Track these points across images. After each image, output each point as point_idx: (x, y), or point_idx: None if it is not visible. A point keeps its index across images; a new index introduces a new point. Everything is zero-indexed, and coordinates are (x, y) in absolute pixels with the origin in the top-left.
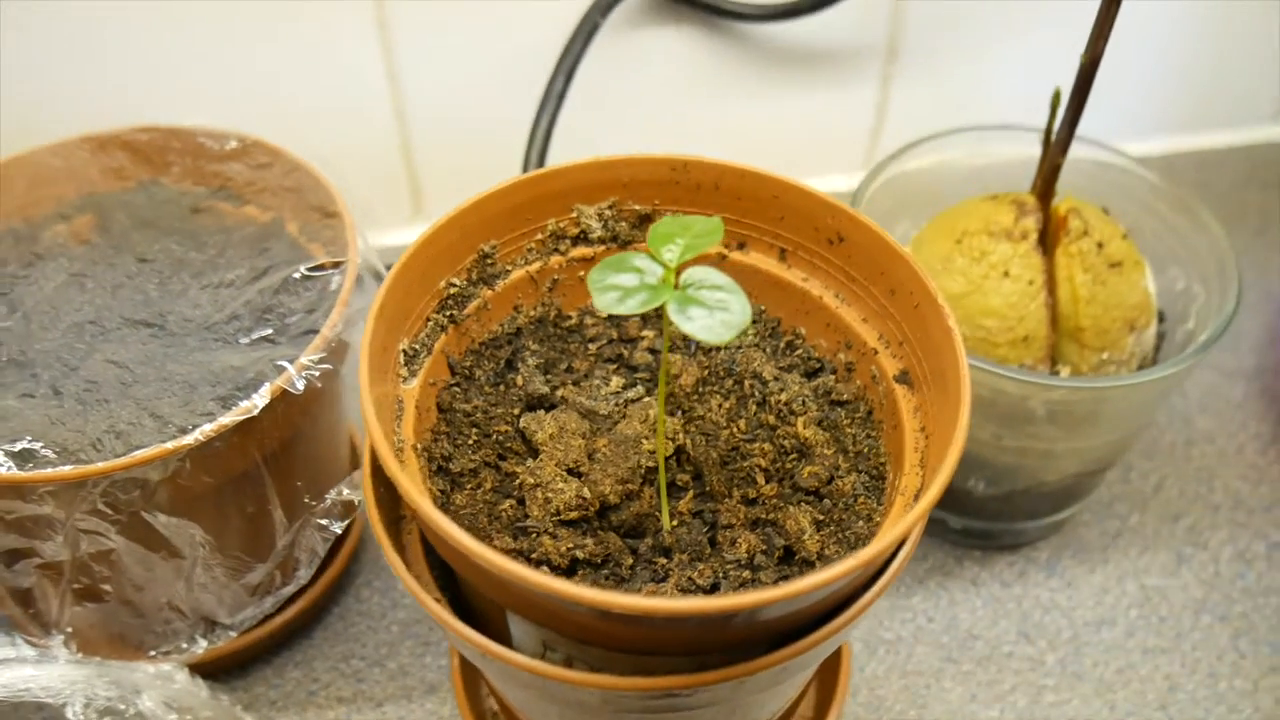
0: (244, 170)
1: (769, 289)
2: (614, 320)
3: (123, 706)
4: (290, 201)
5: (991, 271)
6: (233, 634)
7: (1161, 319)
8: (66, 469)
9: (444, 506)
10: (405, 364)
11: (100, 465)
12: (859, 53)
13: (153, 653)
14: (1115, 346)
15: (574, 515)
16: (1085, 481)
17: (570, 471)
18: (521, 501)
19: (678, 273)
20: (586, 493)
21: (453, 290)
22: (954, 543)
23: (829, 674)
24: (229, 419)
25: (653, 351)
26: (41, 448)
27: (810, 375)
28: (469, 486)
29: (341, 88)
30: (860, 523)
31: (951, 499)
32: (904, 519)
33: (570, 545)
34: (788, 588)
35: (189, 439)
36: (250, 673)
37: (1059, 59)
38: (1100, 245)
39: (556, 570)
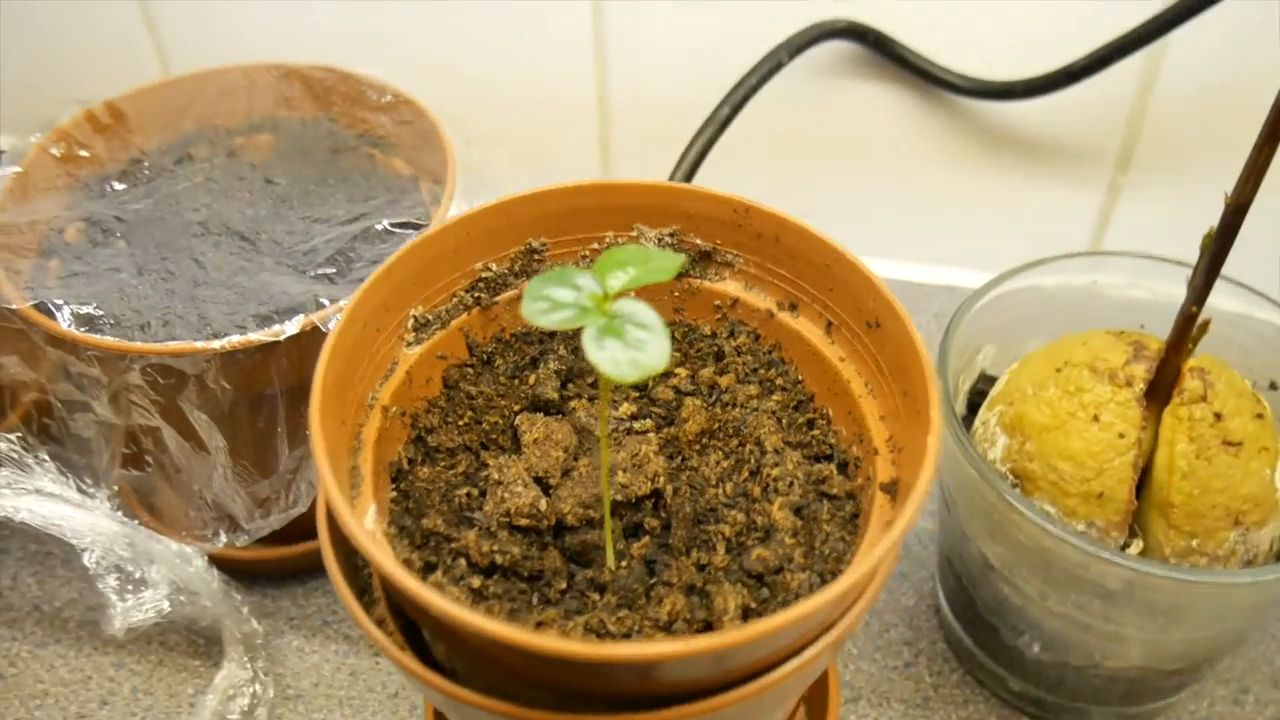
0: (388, 123)
1: (809, 360)
2: None
3: (131, 569)
4: (422, 160)
5: (1080, 411)
6: (247, 538)
7: None
8: (109, 339)
9: (406, 475)
10: (414, 329)
11: (136, 345)
12: (1086, 153)
13: (183, 534)
14: (1209, 537)
15: (524, 522)
16: (1163, 681)
17: (538, 479)
18: (483, 494)
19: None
20: (543, 505)
21: (488, 274)
22: (1006, 701)
23: None
24: (255, 337)
25: (678, 391)
26: (102, 316)
27: (815, 459)
28: (441, 464)
29: (549, 70)
30: None
31: (1006, 654)
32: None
33: (495, 548)
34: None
35: (215, 344)
36: (284, 586)
37: None
38: (1218, 416)
39: (473, 568)
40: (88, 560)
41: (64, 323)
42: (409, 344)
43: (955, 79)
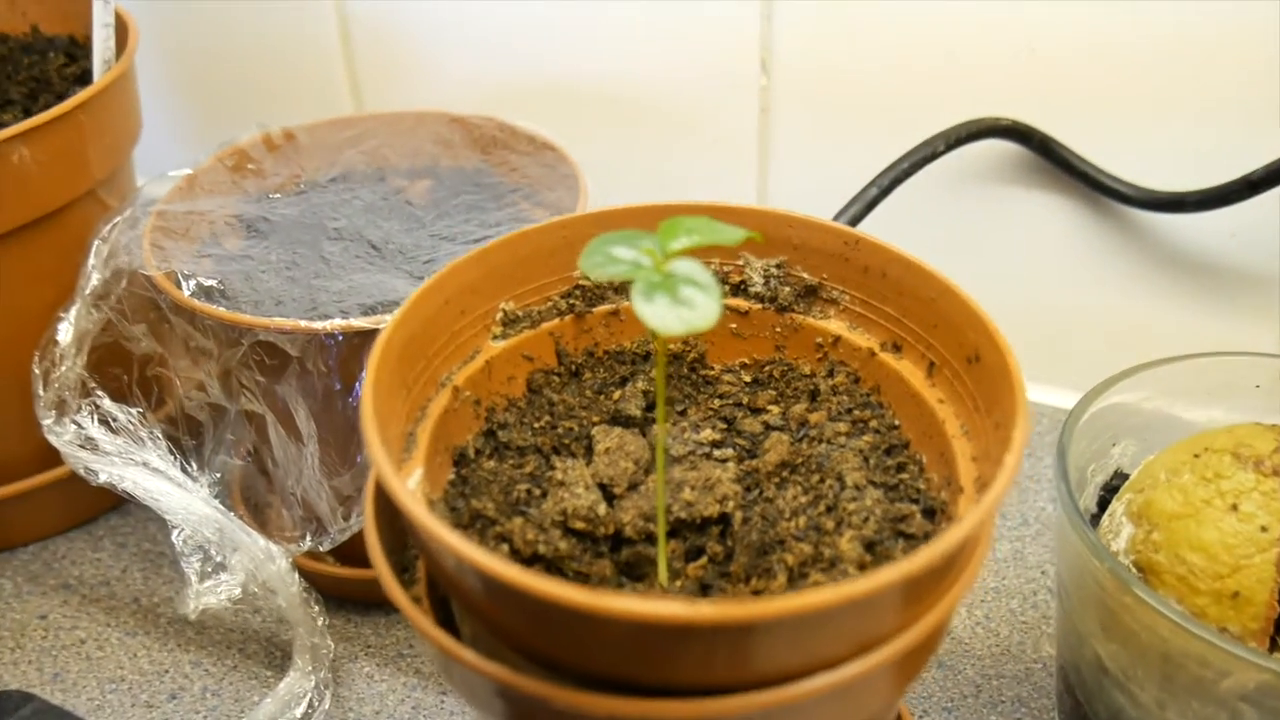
0: (533, 166)
1: (908, 403)
2: (752, 387)
3: (214, 554)
4: (561, 203)
5: (1217, 499)
6: (330, 541)
7: None
8: (222, 309)
9: (470, 463)
10: (502, 322)
11: (246, 317)
12: (1265, 280)
13: (274, 533)
14: None
15: (580, 525)
16: None
17: (602, 487)
18: (544, 495)
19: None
20: (602, 510)
21: (586, 283)
22: None
23: None
24: (356, 323)
25: (768, 427)
26: (223, 290)
27: (896, 501)
28: (509, 460)
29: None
30: None
31: None
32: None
33: (541, 539)
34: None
35: (318, 325)
36: (367, 614)
37: None
38: None
39: (514, 554)
40: (175, 538)
41: (187, 291)
42: (495, 336)
43: (1123, 188)
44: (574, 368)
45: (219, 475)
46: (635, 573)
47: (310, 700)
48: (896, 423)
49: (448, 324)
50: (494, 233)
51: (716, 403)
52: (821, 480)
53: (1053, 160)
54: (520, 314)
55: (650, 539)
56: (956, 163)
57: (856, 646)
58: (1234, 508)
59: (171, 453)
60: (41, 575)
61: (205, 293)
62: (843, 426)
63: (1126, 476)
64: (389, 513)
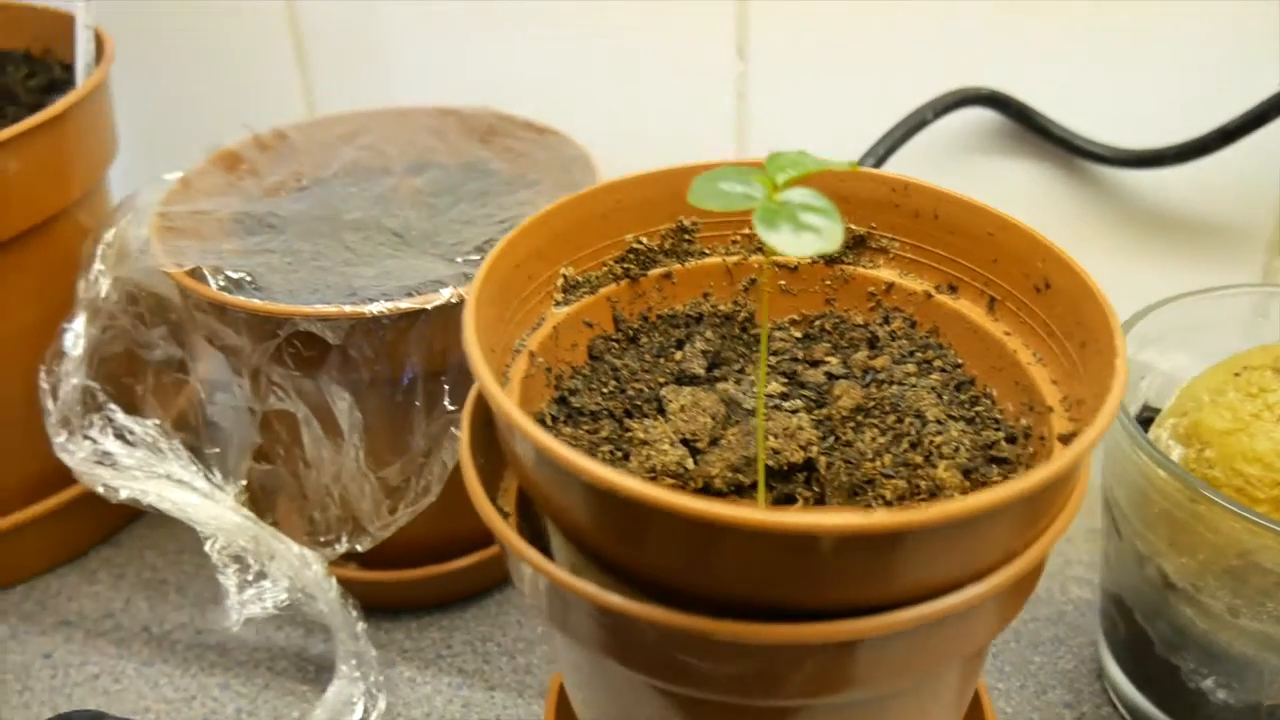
0: (538, 154)
1: (970, 339)
2: (804, 341)
3: (252, 562)
4: (564, 181)
5: (1266, 412)
6: (370, 540)
7: None
8: (258, 301)
9: (549, 430)
10: (563, 289)
11: (285, 307)
12: (1238, 229)
13: (305, 537)
14: None
15: (670, 482)
16: None
17: (685, 442)
18: (626, 456)
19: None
20: (690, 465)
21: (638, 247)
22: None
23: None
24: (404, 305)
25: (830, 376)
26: (252, 284)
27: (980, 430)
28: (584, 426)
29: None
30: None
31: (1184, 702)
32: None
33: None
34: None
35: (364, 309)
36: (398, 619)
37: None
38: None
39: None
40: (209, 549)
41: (215, 285)
42: (557, 303)
43: (1100, 149)
44: (631, 333)
45: (244, 482)
46: None
47: (364, 706)
48: (960, 361)
49: (518, 290)
50: (514, 214)
51: (772, 359)
52: (899, 420)
53: (1031, 127)
54: (580, 279)
55: (739, 490)
56: (938, 135)
57: (986, 566)
58: None
59: (194, 463)
60: (37, 614)
61: (236, 285)
62: (911, 368)
63: (1155, 409)
64: (483, 444)
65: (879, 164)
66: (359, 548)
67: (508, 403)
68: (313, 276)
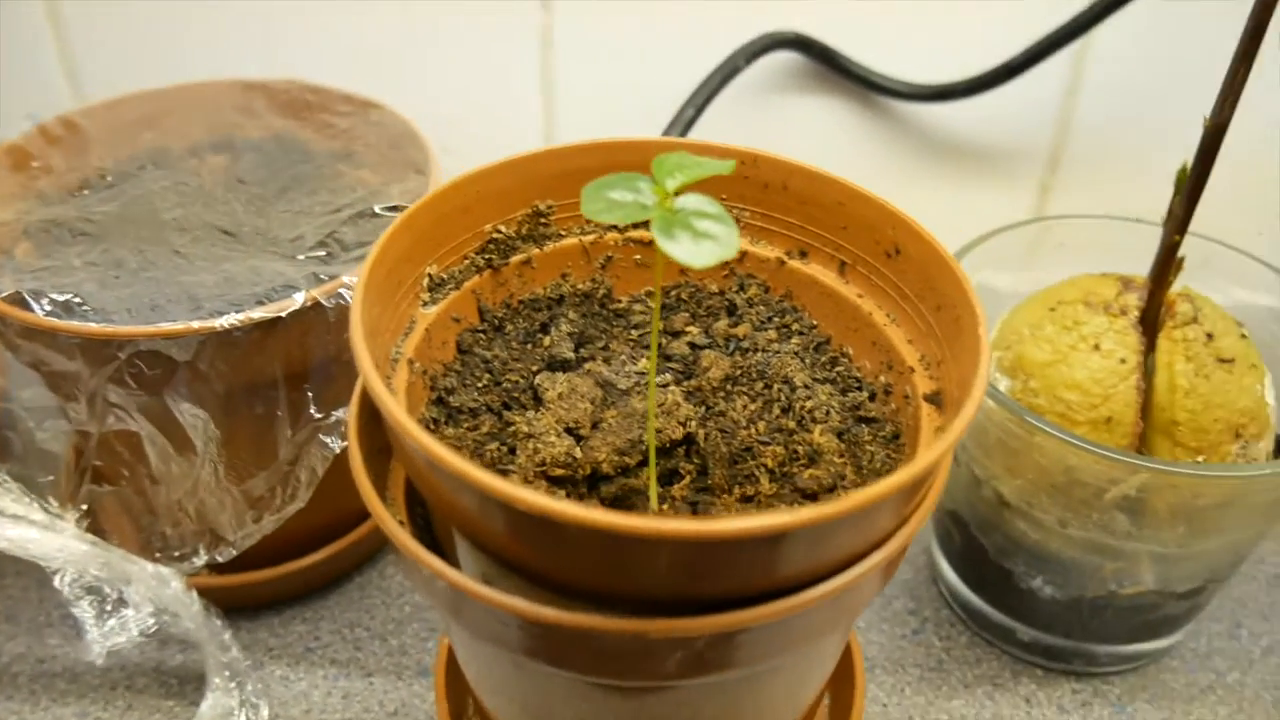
0: (360, 128)
1: (824, 302)
2: (663, 312)
3: (108, 590)
4: (394, 159)
5: (1081, 343)
6: (232, 551)
7: None
8: (94, 325)
9: (433, 434)
10: (429, 289)
11: (127, 329)
12: (1018, 154)
13: (158, 555)
14: (1214, 451)
15: (560, 472)
16: (1173, 607)
17: (569, 430)
18: (512, 451)
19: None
20: (578, 453)
21: (498, 236)
22: (1016, 656)
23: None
24: (258, 314)
25: (693, 346)
26: (83, 305)
27: (844, 391)
28: (465, 425)
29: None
30: None
31: (1016, 600)
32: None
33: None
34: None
35: (215, 323)
36: (258, 618)
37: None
38: (1210, 336)
39: None
40: (59, 583)
41: (41, 311)
42: (424, 303)
43: (897, 85)
44: (496, 322)
45: (85, 507)
46: (624, 504)
47: (246, 716)
48: (815, 322)
49: (389, 296)
50: (347, 201)
51: (634, 334)
52: (768, 386)
53: (834, 67)
54: (445, 276)
55: (626, 472)
56: (749, 80)
57: (875, 544)
58: (1096, 348)
59: (25, 494)
60: None
61: (64, 309)
62: (771, 334)
63: None
64: (370, 443)
65: (700, 111)
66: (219, 558)
67: (403, 415)
68: (147, 289)
